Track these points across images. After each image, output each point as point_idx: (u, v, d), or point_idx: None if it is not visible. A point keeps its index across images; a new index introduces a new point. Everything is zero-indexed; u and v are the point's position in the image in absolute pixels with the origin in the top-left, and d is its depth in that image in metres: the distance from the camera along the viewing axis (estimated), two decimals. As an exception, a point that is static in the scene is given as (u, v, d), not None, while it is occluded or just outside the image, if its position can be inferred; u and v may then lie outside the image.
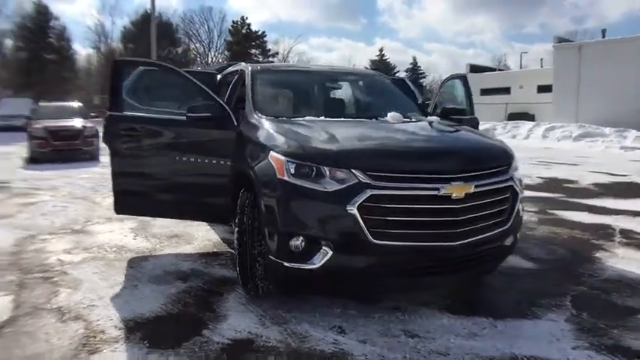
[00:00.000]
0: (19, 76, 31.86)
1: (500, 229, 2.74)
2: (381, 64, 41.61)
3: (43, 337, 2.40)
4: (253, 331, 2.49)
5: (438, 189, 2.46)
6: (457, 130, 3.28)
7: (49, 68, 32.81)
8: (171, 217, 3.92)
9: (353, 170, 2.42)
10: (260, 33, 42.07)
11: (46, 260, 3.59)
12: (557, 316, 2.71)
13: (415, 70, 43.81)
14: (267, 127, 2.96)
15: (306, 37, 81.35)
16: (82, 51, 39.10)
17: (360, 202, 2.36)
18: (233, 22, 41.39)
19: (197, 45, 41.25)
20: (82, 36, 72.61)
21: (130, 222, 4.61)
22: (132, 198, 3.47)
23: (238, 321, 2.59)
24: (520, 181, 2.97)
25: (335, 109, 3.80)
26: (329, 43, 68.54)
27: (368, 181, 2.40)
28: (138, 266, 3.47)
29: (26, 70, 31.96)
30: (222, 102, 3.37)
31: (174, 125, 3.36)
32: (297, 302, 2.82)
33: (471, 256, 2.68)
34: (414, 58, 44.89)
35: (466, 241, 2.55)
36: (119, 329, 2.48)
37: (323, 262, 2.42)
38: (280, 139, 2.73)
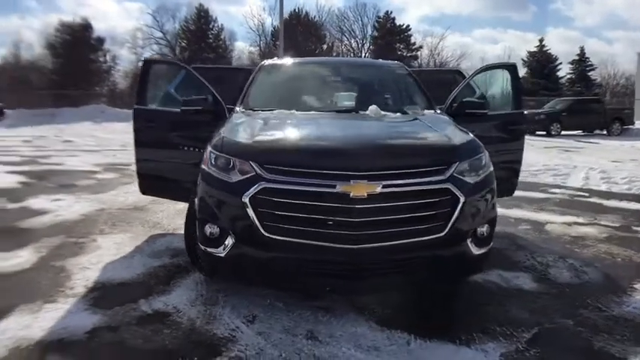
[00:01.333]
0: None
1: (429, 238, 2.47)
2: (541, 56, 37.36)
3: (29, 284, 3.03)
4: (179, 307, 2.74)
5: (334, 186, 2.35)
6: (412, 126, 3.06)
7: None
8: (184, 201, 4.38)
9: (251, 162, 2.49)
10: (404, 27, 41.56)
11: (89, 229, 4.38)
12: (495, 348, 2.37)
13: (582, 62, 38.20)
14: (228, 120, 3.17)
15: (470, 30, 76.68)
16: (246, 49, 43.08)
17: (252, 193, 2.41)
18: (378, 17, 41.70)
19: (351, 41, 42.64)
20: (245, 35, 79.53)
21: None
22: (151, 181, 4.01)
23: (176, 297, 2.87)
24: (476, 183, 2.63)
25: (320, 102, 3.79)
26: (493, 34, 63.78)
27: (262, 174, 2.44)
28: (152, 241, 4.00)
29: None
30: (217, 96, 3.66)
31: (176, 117, 3.76)
32: (247, 289, 2.93)
33: (385, 263, 2.50)
34: (582, 49, 38.98)
35: (371, 245, 2.40)
36: (85, 287, 2.98)
37: (227, 251, 2.54)
38: (221, 131, 2.91)
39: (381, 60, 4.78)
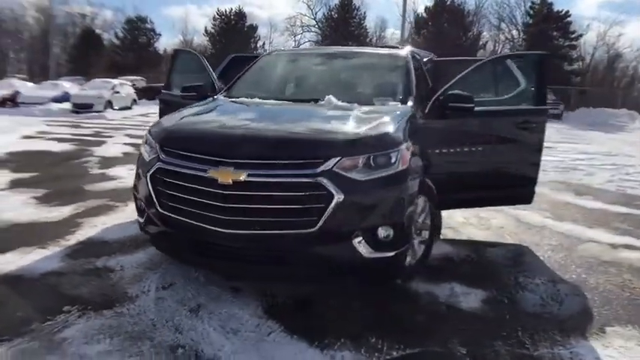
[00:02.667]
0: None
1: (299, 231, 2.47)
2: None
3: (44, 233, 3.82)
4: (125, 267, 3.19)
5: (205, 171, 2.51)
6: (327, 119, 2.97)
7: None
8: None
9: (157, 144, 2.78)
10: (562, 13, 36.08)
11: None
12: (345, 356, 2.30)
13: None
14: (189, 106, 3.48)
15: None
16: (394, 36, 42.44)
17: (151, 172, 2.71)
18: (532, 2, 36.93)
19: (511, 29, 38.96)
20: (396, 24, 77.70)
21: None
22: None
23: (130, 259, 3.32)
24: (371, 181, 2.54)
25: (289, 91, 3.92)
26: None
27: (160, 155, 2.71)
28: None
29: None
30: (215, 83, 4.01)
31: (180, 101, 4.17)
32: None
33: (256, 250, 2.58)
34: None
35: (238, 232, 2.50)
36: (76, 241, 3.65)
37: (143, 223, 2.90)
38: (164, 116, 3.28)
39: (382, 49, 4.58)
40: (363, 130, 2.76)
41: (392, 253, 2.66)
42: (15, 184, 5.39)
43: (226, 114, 3.22)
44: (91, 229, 3.96)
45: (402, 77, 3.74)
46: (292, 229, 2.49)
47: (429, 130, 3.44)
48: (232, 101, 3.58)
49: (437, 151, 3.52)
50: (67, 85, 19.54)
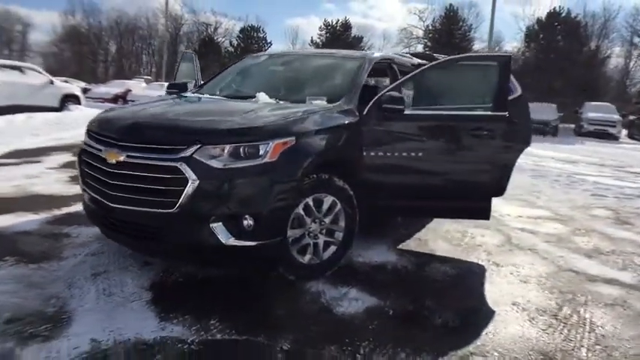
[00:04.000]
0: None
1: (161, 211, 2.73)
2: None
3: (51, 203, 4.59)
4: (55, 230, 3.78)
5: (100, 150, 2.93)
6: (226, 111, 3.24)
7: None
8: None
9: (86, 129, 3.27)
10: None
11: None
12: (175, 329, 2.51)
13: None
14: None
15: None
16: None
17: (79, 152, 3.21)
18: None
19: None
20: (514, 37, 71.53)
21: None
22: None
23: (88, 228, 3.89)
24: (231, 169, 2.71)
25: (234, 88, 4.20)
26: None
27: (85, 138, 3.20)
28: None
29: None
30: (198, 81, 4.46)
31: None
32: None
33: (128, 224, 2.89)
34: None
35: (120, 206, 2.84)
36: (66, 211, 4.35)
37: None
38: None
39: (345, 51, 4.59)
40: (238, 121, 2.94)
41: (254, 243, 2.79)
42: (64, 166, 6.45)
43: (154, 106, 3.60)
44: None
45: (345, 79, 3.77)
46: (157, 208, 2.76)
47: (367, 131, 3.45)
48: (183, 96, 3.99)
49: (373, 153, 3.51)
50: (171, 86, 22.02)
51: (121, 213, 2.89)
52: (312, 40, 43.32)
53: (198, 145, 2.71)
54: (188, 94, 4.14)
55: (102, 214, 3.07)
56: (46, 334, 2.38)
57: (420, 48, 39.10)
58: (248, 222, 2.76)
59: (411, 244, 4.19)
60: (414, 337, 2.62)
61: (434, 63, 3.88)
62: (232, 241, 2.75)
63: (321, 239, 3.25)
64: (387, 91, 3.49)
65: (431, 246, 4.20)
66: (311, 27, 70.72)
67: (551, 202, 6.39)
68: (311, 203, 3.13)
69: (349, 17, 46.03)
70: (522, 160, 11.49)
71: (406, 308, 2.96)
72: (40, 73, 13.16)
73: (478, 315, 2.95)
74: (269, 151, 2.77)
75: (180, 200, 2.68)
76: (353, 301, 2.99)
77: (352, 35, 42.62)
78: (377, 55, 4.21)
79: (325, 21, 43.45)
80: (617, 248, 4.52)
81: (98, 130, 3.13)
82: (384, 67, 4.26)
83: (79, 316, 2.58)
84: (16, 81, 11.68)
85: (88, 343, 2.33)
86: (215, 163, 2.70)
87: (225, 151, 2.73)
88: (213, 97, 3.89)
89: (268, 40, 45.40)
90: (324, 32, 42.65)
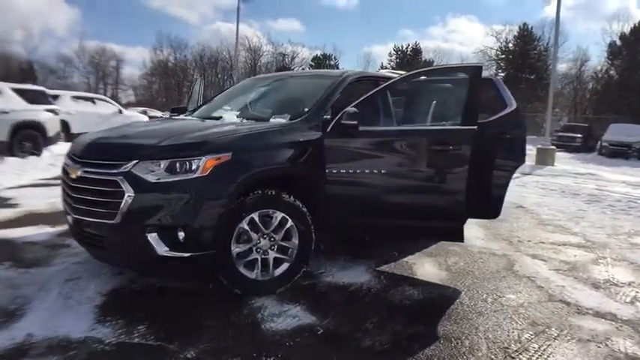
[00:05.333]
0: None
1: (106, 221, 2.94)
2: None
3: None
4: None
5: (68, 166, 3.26)
6: (174, 129, 3.48)
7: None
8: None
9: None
10: None
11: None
12: (105, 333, 2.69)
13: None
14: None
15: None
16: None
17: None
18: None
19: None
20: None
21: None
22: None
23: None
24: (164, 183, 2.88)
25: (211, 110, 4.38)
26: None
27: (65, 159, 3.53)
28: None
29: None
30: (197, 104, 4.79)
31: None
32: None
33: (85, 233, 3.14)
34: None
35: (76, 217, 3.13)
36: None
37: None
38: None
39: (326, 71, 4.59)
40: (178, 138, 3.13)
41: (187, 254, 2.91)
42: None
43: (124, 128, 3.94)
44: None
45: (313, 97, 3.78)
46: (103, 218, 2.98)
47: (329, 148, 3.47)
48: (169, 118, 4.31)
49: (335, 170, 3.50)
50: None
51: (79, 223, 3.18)
52: (382, 66, 43.67)
53: (136, 161, 2.92)
54: (179, 116, 4.47)
55: (71, 224, 3.39)
56: (-7, 327, 2.69)
57: (494, 69, 37.56)
58: (180, 233, 2.90)
59: (394, 267, 4.04)
60: (326, 358, 2.54)
61: (396, 78, 3.78)
62: (166, 252, 2.90)
63: (271, 255, 3.28)
64: (348, 108, 3.48)
65: (415, 269, 4.01)
66: (386, 54, 70.99)
67: (589, 229, 5.76)
68: (256, 219, 3.18)
69: (429, 42, 46.02)
70: (582, 184, 10.54)
71: (339, 329, 2.87)
72: (110, 103, 14.96)
73: (415, 341, 2.77)
74: (201, 166, 2.90)
75: (119, 211, 2.90)
76: (289, 318, 2.97)
77: (422, 59, 42.16)
78: (355, 72, 4.19)
79: (395, 46, 43.90)
80: (637, 280, 3.96)
81: (70, 150, 3.49)
82: (369, 85, 4.23)
83: (31, 314, 2.87)
84: (89, 111, 13.31)
85: (23, 336, 2.60)
86: (150, 177, 2.89)
87: (161, 166, 2.91)
88: (187, 118, 4.16)
89: (340, 67, 46.67)
90: (393, 57, 42.79)
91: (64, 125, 12.02)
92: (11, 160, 8.81)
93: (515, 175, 4.18)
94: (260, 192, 3.17)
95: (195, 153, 2.94)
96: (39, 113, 9.91)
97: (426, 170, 3.54)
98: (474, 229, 5.38)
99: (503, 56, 37.62)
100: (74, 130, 12.38)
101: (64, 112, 12.16)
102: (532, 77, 34.46)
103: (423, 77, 3.82)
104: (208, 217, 2.93)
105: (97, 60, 50.67)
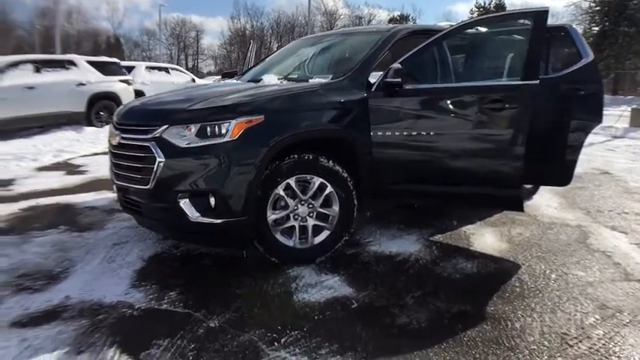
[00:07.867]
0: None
1: (141, 187, 2.91)
2: None
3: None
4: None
5: (111, 133, 3.28)
6: (213, 94, 3.22)
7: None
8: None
9: None
10: None
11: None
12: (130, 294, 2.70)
13: None
14: None
15: None
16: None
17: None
18: None
19: None
20: None
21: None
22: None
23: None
24: (194, 148, 2.77)
25: (256, 73, 4.19)
26: None
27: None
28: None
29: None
30: (249, 67, 4.67)
31: None
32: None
33: (127, 200, 3.12)
34: None
35: (118, 182, 3.13)
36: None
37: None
38: None
39: (379, 26, 4.14)
40: (209, 102, 2.97)
41: (218, 221, 2.80)
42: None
43: (171, 93, 3.81)
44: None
45: (358, 55, 3.47)
46: (139, 184, 2.94)
47: (375, 109, 3.19)
48: (212, 83, 4.19)
49: (380, 133, 3.21)
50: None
51: (121, 189, 3.19)
52: (461, 23, 41.00)
53: (166, 126, 2.83)
54: (226, 80, 4.36)
55: (115, 191, 3.42)
56: (36, 288, 2.80)
57: (587, 23, 33.57)
58: (212, 199, 2.80)
59: (449, 237, 3.72)
60: (354, 335, 2.34)
61: (446, 30, 3.31)
62: (199, 218, 2.82)
63: (310, 222, 3.11)
64: (393, 65, 3.14)
65: (472, 240, 3.66)
66: (468, 11, 66.46)
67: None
68: (293, 184, 3.01)
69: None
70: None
71: (375, 303, 2.65)
72: (183, 72, 15.36)
73: (458, 321, 2.47)
74: (230, 129, 2.76)
75: (152, 177, 2.84)
76: (324, 290, 2.80)
77: (506, 15, 38.98)
78: (406, 26, 3.78)
79: (477, 3, 40.50)
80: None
81: (113, 117, 3.50)
82: (424, 40, 3.82)
83: (74, 277, 2.96)
84: (163, 80, 13.71)
85: (60, 298, 2.67)
86: (180, 142, 2.78)
87: (192, 130, 2.79)
88: (230, 82, 4.03)
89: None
90: (475, 14, 39.84)
91: (140, 95, 12.53)
92: (88, 130, 9.36)
93: (604, 139, 3.64)
94: (296, 156, 2.98)
95: (225, 116, 2.80)
96: (114, 84, 10.28)
97: (478, 132, 3.13)
98: (546, 197, 4.85)
99: (598, 8, 33.43)
100: (151, 97, 12.99)
101: (139, 82, 12.70)
102: (631, 30, 30.47)
103: (478, 27, 3.34)
104: (239, 183, 2.79)
105: (178, 32, 52.56)
